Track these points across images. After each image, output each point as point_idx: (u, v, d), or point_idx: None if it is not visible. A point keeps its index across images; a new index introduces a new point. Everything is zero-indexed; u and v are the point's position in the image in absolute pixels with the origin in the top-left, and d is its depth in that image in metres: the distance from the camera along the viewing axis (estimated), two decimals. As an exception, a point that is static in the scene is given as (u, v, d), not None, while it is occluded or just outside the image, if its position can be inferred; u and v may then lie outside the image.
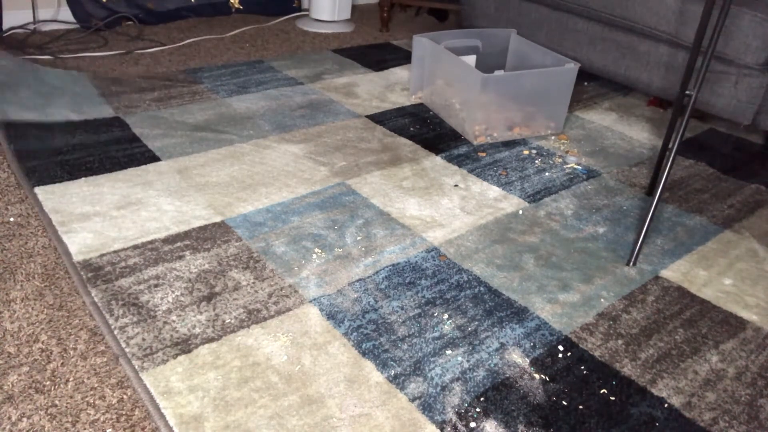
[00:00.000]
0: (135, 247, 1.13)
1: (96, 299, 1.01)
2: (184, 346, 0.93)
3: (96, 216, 1.21)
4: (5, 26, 2.11)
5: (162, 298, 1.02)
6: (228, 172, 1.41)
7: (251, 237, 1.19)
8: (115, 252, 1.12)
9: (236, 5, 2.60)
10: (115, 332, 0.95)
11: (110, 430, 0.81)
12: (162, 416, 0.83)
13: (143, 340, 0.94)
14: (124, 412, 0.84)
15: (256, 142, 1.55)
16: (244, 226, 1.22)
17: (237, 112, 1.70)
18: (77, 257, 1.09)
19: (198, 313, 1.00)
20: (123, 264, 1.09)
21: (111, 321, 0.97)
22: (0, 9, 2.04)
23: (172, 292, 1.04)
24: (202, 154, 1.47)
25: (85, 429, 0.81)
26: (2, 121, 1.49)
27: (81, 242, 1.13)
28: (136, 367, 0.89)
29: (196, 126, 1.60)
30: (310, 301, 1.04)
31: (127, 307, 1.00)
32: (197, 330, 0.96)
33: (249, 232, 1.21)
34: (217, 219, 1.24)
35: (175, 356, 0.91)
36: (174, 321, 0.98)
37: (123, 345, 0.92)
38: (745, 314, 1.11)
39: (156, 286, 1.05)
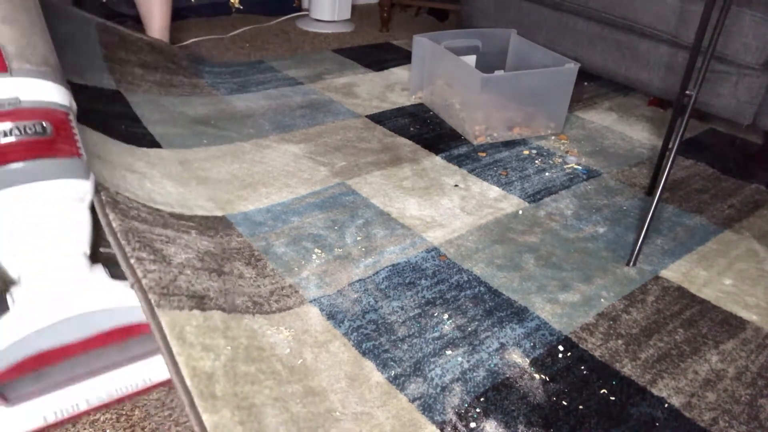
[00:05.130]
0: (144, 205, 1.09)
1: (114, 224, 0.95)
2: (199, 302, 0.91)
3: (102, 162, 1.14)
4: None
5: (175, 253, 0.99)
6: (228, 169, 1.41)
7: (252, 236, 1.19)
8: (126, 197, 1.06)
9: (236, 5, 2.60)
10: (132, 261, 0.90)
11: (110, 430, 0.81)
12: (174, 362, 0.80)
13: (160, 278, 0.90)
14: (124, 412, 0.84)
15: (257, 142, 1.55)
16: (244, 224, 1.22)
17: (237, 110, 1.70)
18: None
19: (210, 280, 0.98)
20: (135, 212, 1.03)
21: (128, 249, 0.92)
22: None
23: (185, 253, 1.01)
24: (203, 149, 1.47)
25: (85, 429, 0.81)
26: None
27: (96, 172, 1.04)
28: (153, 301, 0.85)
29: (197, 119, 1.60)
30: (311, 302, 1.04)
31: (143, 245, 0.94)
32: (211, 293, 0.94)
33: (250, 231, 1.21)
34: (219, 213, 1.24)
35: (191, 308, 0.89)
36: (189, 275, 0.95)
37: (140, 275, 0.88)
38: (745, 314, 1.11)
39: (168, 242, 1.01)
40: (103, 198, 0.98)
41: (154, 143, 1.43)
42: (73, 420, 0.83)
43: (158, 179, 1.25)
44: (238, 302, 0.97)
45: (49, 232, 0.84)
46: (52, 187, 0.84)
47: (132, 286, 0.86)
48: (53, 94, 0.88)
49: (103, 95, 1.55)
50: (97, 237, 0.94)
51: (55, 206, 0.85)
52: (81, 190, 0.88)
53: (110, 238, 0.93)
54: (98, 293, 0.82)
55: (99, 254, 0.92)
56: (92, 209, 0.93)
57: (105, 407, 0.85)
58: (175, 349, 0.81)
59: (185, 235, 1.08)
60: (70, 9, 1.72)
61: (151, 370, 0.88)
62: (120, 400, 0.86)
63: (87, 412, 0.83)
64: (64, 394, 0.82)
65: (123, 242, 0.92)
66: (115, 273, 0.88)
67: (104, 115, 1.45)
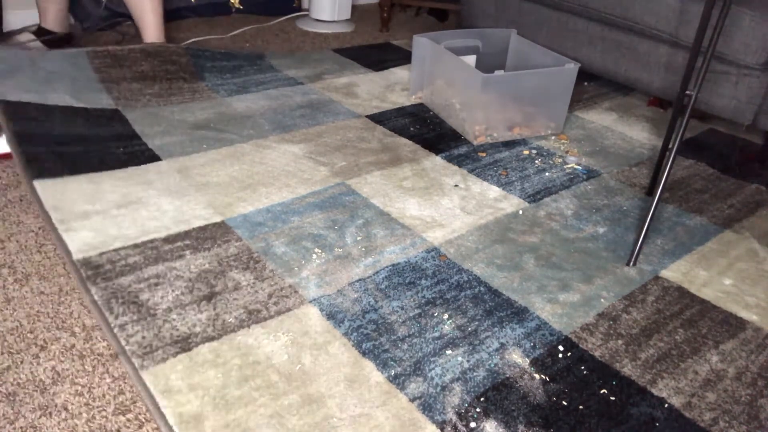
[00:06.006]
0: (135, 246, 1.13)
1: (96, 297, 1.01)
2: (184, 344, 0.93)
3: (96, 215, 1.20)
4: (7, 27, 2.11)
5: (162, 297, 1.02)
6: (228, 172, 1.41)
7: (251, 237, 1.19)
8: (115, 250, 1.11)
9: (236, 5, 2.60)
10: (115, 330, 0.95)
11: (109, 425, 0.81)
12: (162, 415, 0.82)
13: (143, 338, 0.94)
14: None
15: (256, 142, 1.55)
16: (244, 227, 1.22)
17: (237, 112, 1.70)
18: (77, 255, 1.09)
19: (198, 312, 1.00)
20: (123, 262, 1.09)
21: (111, 319, 0.97)
22: (0, 10, 2.04)
23: (173, 291, 1.04)
24: (202, 154, 1.47)
25: (84, 430, 0.81)
26: (1, 101, 1.49)
27: (81, 240, 1.13)
28: (136, 365, 0.89)
29: (196, 125, 1.60)
30: (310, 301, 1.04)
31: (127, 306, 0.99)
32: (197, 329, 0.96)
33: (249, 232, 1.21)
34: (217, 219, 1.24)
35: (175, 354, 0.91)
36: (174, 319, 0.98)
37: (123, 343, 0.92)
38: (745, 314, 1.11)
39: (156, 284, 1.05)
40: (83, 273, 1.06)
41: (153, 157, 1.43)
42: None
43: (155, 200, 1.27)
44: (230, 320, 0.98)
45: None
46: None
47: (117, 357, 0.92)
48: None
49: (103, 116, 1.56)
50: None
51: None
52: None
53: (94, 312, 1.00)
54: None
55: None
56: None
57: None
58: (161, 403, 0.84)
59: (178, 261, 1.11)
60: (52, 53, 1.74)
61: None
62: None
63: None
64: None
65: (106, 314, 0.99)
66: None
67: (103, 138, 1.46)
